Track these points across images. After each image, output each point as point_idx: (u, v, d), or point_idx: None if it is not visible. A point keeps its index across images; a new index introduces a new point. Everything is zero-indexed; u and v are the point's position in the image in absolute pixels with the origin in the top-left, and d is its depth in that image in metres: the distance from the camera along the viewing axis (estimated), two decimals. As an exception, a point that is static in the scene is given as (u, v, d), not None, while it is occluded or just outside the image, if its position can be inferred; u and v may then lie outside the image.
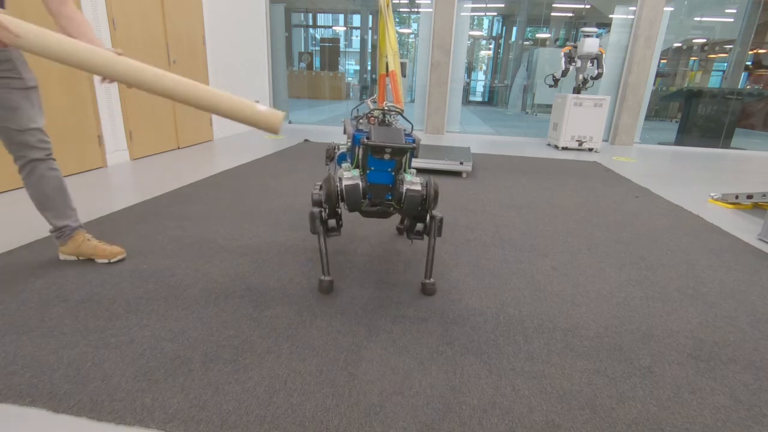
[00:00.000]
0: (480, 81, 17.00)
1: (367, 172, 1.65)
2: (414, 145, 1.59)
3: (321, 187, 2.02)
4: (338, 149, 2.17)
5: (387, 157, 1.59)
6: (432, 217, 1.68)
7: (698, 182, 4.15)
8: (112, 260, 1.84)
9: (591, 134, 5.80)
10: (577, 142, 5.83)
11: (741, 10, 7.75)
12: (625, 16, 6.43)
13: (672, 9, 6.49)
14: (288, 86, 7.64)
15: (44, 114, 1.66)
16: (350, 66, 15.43)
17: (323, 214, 1.69)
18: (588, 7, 9.08)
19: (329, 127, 7.53)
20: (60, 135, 3.21)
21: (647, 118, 6.88)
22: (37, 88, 1.63)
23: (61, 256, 1.85)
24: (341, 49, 14.69)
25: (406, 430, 1.03)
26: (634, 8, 6.20)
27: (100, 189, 3.01)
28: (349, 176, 1.62)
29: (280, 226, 2.38)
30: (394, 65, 1.85)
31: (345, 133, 2.15)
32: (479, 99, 15.76)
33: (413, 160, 3.86)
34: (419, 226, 1.72)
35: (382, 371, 1.23)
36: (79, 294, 1.58)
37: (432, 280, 1.70)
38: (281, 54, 7.28)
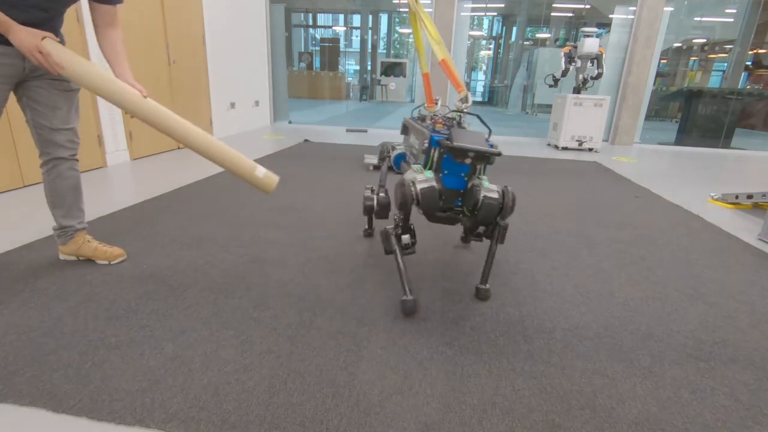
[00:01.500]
0: (480, 81, 17.00)
1: (439, 175, 1.56)
2: (500, 151, 1.51)
3: (372, 190, 2.00)
4: (393, 150, 2.08)
5: (468, 161, 1.50)
6: (497, 224, 1.61)
7: (698, 182, 4.15)
8: (112, 262, 1.83)
9: (591, 134, 5.80)
10: (577, 142, 5.83)
11: (741, 10, 7.75)
12: (625, 16, 6.43)
13: (672, 9, 6.49)
14: (288, 86, 7.63)
15: (80, 116, 1.71)
16: (350, 66, 15.43)
17: (398, 230, 1.60)
18: (588, 7, 9.08)
19: (329, 127, 7.53)
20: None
21: (647, 118, 6.88)
22: (79, 91, 1.68)
23: (61, 256, 1.84)
24: (341, 49, 14.70)
25: (406, 430, 1.03)
26: (634, 8, 6.20)
27: (100, 189, 3.01)
28: (424, 179, 1.50)
29: (280, 226, 2.38)
30: (441, 54, 1.74)
31: (403, 133, 2.11)
32: (479, 99, 15.77)
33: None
34: (481, 228, 1.66)
35: (382, 371, 1.23)
36: (79, 294, 1.58)
37: (487, 285, 1.62)
38: (281, 54, 7.27)
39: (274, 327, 1.43)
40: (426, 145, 1.58)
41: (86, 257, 1.82)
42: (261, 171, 1.67)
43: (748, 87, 10.21)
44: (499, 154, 1.50)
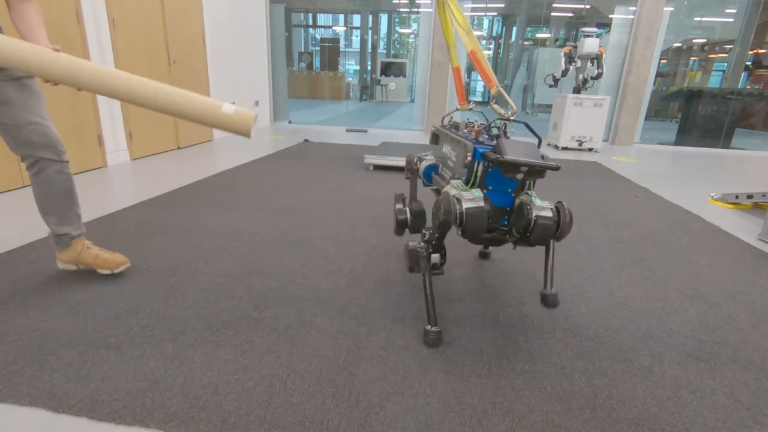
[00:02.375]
0: (480, 81, 16.97)
1: (485, 193, 1.38)
2: (558, 165, 1.28)
3: (404, 202, 1.79)
4: (421, 160, 1.85)
5: (520, 176, 1.30)
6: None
7: (698, 182, 4.15)
8: (115, 271, 1.71)
9: (591, 134, 5.80)
10: (577, 142, 5.83)
11: (741, 10, 7.75)
12: (625, 16, 6.43)
13: (672, 9, 6.49)
14: (288, 86, 7.63)
15: (47, 106, 1.52)
16: (350, 66, 15.43)
17: (429, 248, 1.45)
18: (588, 7, 9.08)
19: (329, 127, 7.53)
20: (60, 135, 3.21)
21: (647, 118, 6.88)
22: (33, 79, 1.48)
23: (60, 265, 1.72)
24: (341, 49, 14.69)
25: (406, 430, 1.03)
26: (634, 8, 6.20)
27: (100, 189, 3.01)
28: (471, 197, 1.31)
29: (280, 226, 2.38)
30: (471, 44, 1.53)
31: (433, 142, 1.90)
32: (479, 99, 15.77)
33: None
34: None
35: (382, 371, 1.23)
36: (79, 294, 1.58)
37: (554, 290, 1.37)
38: (281, 54, 7.27)
39: (274, 327, 1.43)
40: (469, 158, 1.38)
41: (86, 266, 1.70)
42: (229, 108, 1.33)
43: (748, 87, 10.21)
44: (557, 168, 1.27)
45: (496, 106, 1.49)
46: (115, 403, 1.07)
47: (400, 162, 3.90)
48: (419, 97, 7.27)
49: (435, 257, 1.47)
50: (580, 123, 5.78)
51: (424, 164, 1.84)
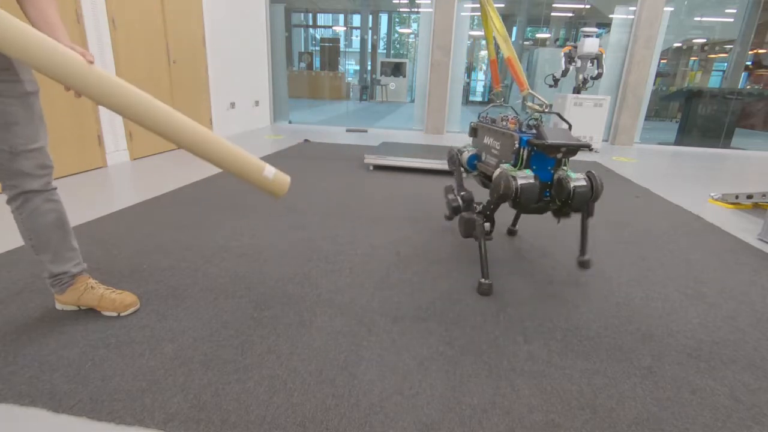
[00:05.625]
0: (480, 81, 16.97)
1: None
2: (589, 143, 1.68)
3: (452, 190, 2.16)
4: (461, 153, 2.24)
5: (560, 156, 1.65)
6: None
7: (698, 182, 4.15)
8: (122, 314, 1.45)
9: (591, 134, 5.80)
10: (577, 142, 5.83)
11: (741, 10, 7.75)
12: (625, 16, 6.43)
13: (672, 9, 6.49)
14: (288, 86, 7.63)
15: (46, 127, 1.29)
16: (350, 66, 15.42)
17: (482, 217, 1.78)
18: (588, 7, 9.08)
19: (329, 127, 7.53)
20: (60, 135, 3.21)
21: (647, 118, 6.88)
22: (38, 93, 1.25)
23: (58, 306, 1.47)
24: (341, 49, 14.69)
25: (406, 430, 1.03)
26: (634, 8, 6.20)
27: (100, 189, 3.01)
28: (524, 176, 1.64)
29: (280, 226, 2.38)
30: (508, 52, 1.87)
31: (472, 135, 2.25)
32: (479, 99, 15.76)
33: (407, 159, 3.88)
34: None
35: (382, 371, 1.23)
36: (79, 294, 1.58)
37: (588, 256, 1.78)
38: (281, 54, 7.27)
39: (274, 327, 1.43)
40: (516, 145, 1.71)
41: (89, 307, 1.46)
42: (270, 171, 1.38)
43: (748, 87, 10.21)
44: (589, 146, 1.66)
45: (530, 104, 1.81)
46: (115, 403, 1.07)
47: (400, 162, 3.91)
48: (419, 97, 7.26)
49: (487, 225, 1.80)
50: (580, 123, 5.78)
51: (466, 155, 2.18)
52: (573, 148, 1.62)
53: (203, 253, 1.99)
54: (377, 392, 1.15)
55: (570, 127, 1.80)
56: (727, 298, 1.78)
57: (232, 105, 5.93)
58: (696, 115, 7.11)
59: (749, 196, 3.10)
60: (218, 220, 2.45)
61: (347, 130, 7.13)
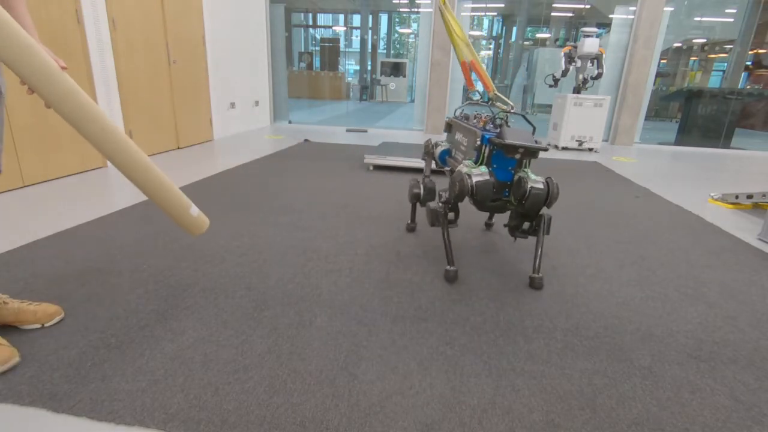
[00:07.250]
0: (479, 81, 16.93)
1: (490, 170, 1.73)
2: (547, 146, 1.67)
3: (418, 181, 2.25)
4: (437, 146, 2.26)
5: (518, 156, 1.67)
6: (541, 216, 1.79)
7: (698, 182, 4.15)
8: (46, 324, 1.36)
9: (591, 134, 5.80)
10: (577, 142, 5.83)
11: (741, 10, 7.75)
12: (625, 16, 6.42)
13: (672, 9, 6.49)
14: (288, 86, 7.63)
15: (3, 134, 1.22)
16: (350, 66, 15.41)
17: (446, 209, 1.84)
18: (588, 7, 9.08)
19: (329, 127, 7.53)
20: (59, 135, 3.21)
21: (647, 118, 6.87)
22: (3, 97, 1.17)
23: None
24: (341, 49, 14.68)
25: (406, 430, 1.03)
26: (634, 8, 6.20)
27: (101, 189, 3.01)
28: (479, 173, 1.67)
29: (280, 226, 2.38)
30: (471, 55, 1.91)
31: (446, 131, 2.29)
32: (479, 99, 15.74)
33: (407, 159, 3.88)
34: (526, 225, 1.84)
35: (382, 371, 1.23)
36: (79, 294, 1.58)
37: (540, 275, 1.78)
38: (281, 54, 7.27)
39: (274, 327, 1.43)
40: (478, 142, 1.74)
41: (8, 323, 1.34)
42: (195, 210, 1.49)
43: (748, 87, 10.21)
44: (546, 149, 1.66)
45: (498, 104, 1.87)
46: (115, 403, 1.07)
47: (400, 162, 3.91)
48: (419, 97, 7.26)
49: (451, 215, 1.88)
50: (580, 123, 5.77)
51: (439, 149, 2.22)
52: (532, 150, 1.64)
53: (203, 253, 1.99)
54: (377, 392, 1.15)
55: (534, 129, 1.82)
56: (727, 298, 1.78)
57: (232, 105, 5.93)
58: (696, 115, 7.10)
59: (749, 196, 3.10)
60: (218, 219, 2.45)
61: (347, 130, 7.13)
